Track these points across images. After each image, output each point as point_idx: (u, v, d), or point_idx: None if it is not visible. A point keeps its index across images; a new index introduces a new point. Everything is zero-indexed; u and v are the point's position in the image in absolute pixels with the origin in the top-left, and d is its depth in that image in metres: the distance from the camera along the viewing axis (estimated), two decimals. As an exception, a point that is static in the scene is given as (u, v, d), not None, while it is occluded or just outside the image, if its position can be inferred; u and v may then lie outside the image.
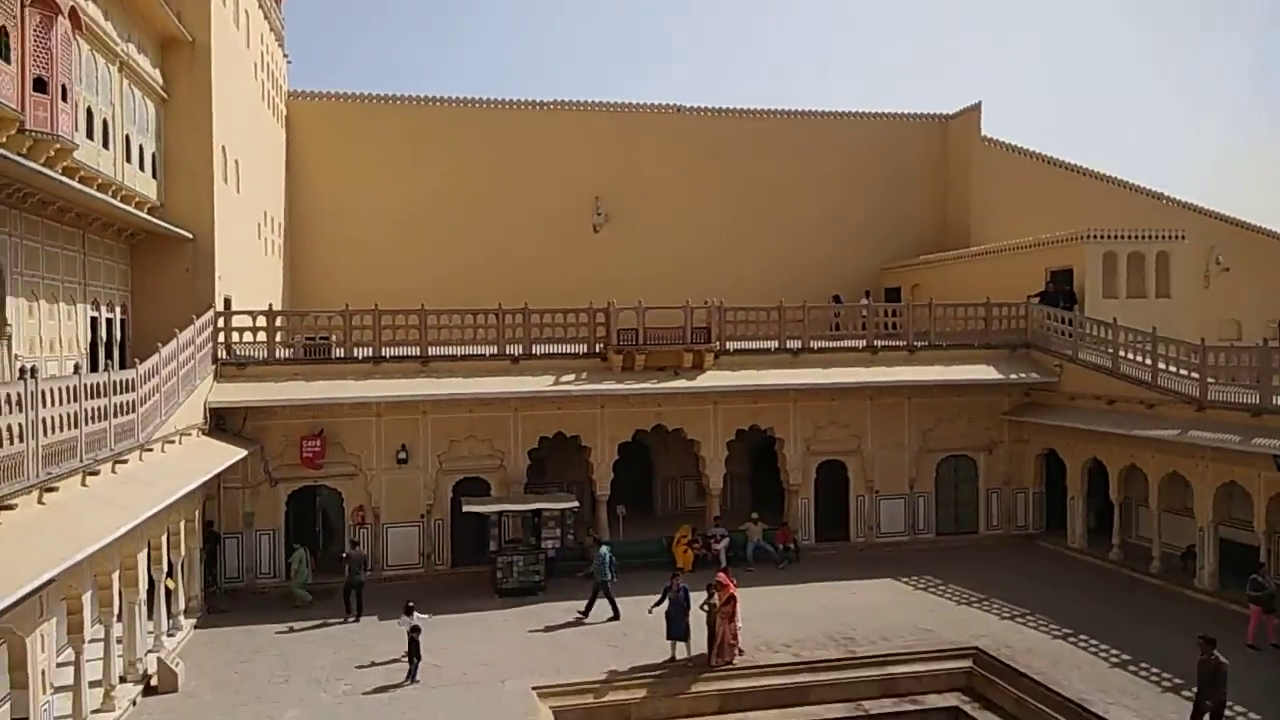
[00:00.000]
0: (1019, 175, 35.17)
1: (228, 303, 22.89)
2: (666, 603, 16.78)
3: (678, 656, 16.59)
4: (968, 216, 35.31)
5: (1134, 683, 15.35)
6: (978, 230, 34.60)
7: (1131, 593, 20.43)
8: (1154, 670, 15.65)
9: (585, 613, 19.10)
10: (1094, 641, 17.27)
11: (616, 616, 18.85)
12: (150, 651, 16.06)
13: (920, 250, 35.15)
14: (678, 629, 16.62)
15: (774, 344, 24.34)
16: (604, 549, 19.59)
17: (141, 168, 20.52)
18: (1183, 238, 27.73)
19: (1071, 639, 17.49)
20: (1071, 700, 14.72)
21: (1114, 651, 16.73)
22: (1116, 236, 27.01)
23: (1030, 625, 18.34)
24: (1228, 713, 13.76)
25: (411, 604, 17.08)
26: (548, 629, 18.59)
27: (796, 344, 24.39)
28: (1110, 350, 23.14)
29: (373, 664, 16.61)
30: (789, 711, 15.67)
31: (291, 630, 18.66)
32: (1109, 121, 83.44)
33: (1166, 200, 35.39)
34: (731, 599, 16.56)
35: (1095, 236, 26.85)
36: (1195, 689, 13.48)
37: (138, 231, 21.14)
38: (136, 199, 20.10)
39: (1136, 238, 27.13)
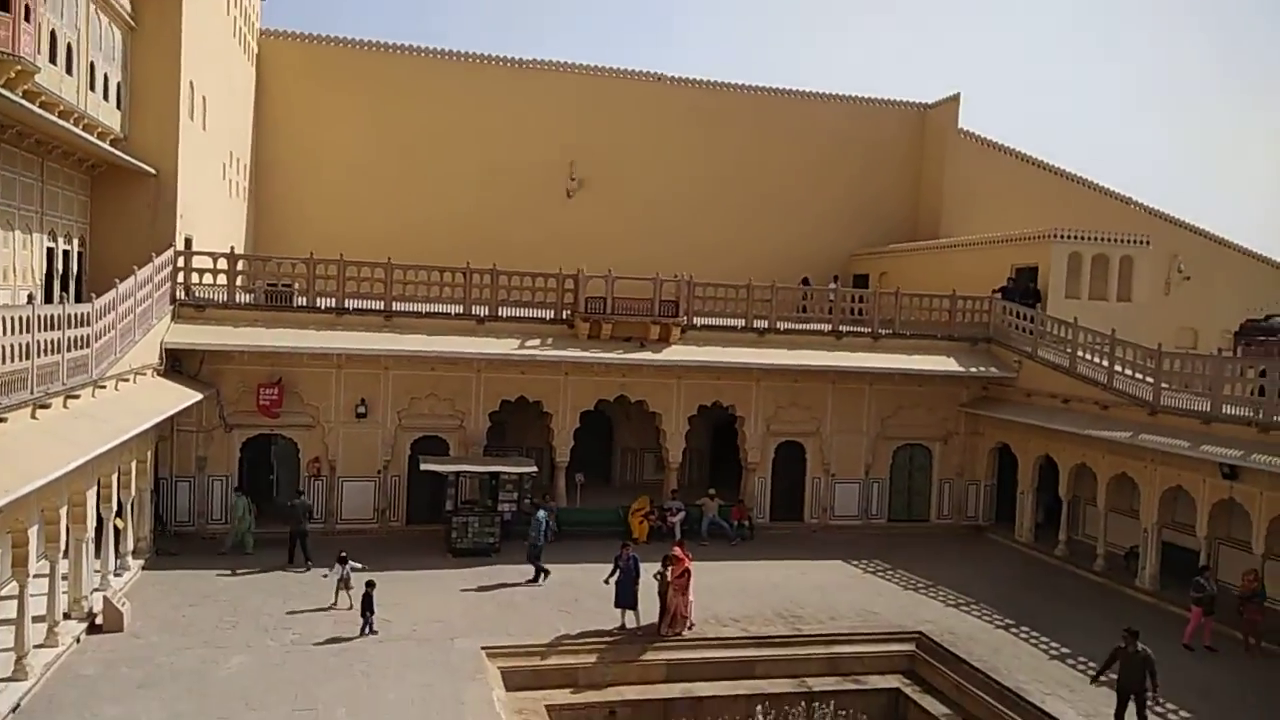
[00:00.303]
0: (993, 170, 35.46)
1: (189, 243, 22.38)
2: (619, 571, 16.89)
3: (627, 625, 16.70)
4: (940, 207, 35.55)
5: (1071, 675, 15.73)
6: (949, 222, 34.87)
7: (1074, 588, 20.89)
8: (1091, 664, 15.96)
9: (535, 579, 19.19)
10: (1035, 633, 17.67)
11: (543, 577, 19.12)
12: (96, 590, 15.81)
13: (891, 238, 35.36)
14: (626, 597, 16.75)
15: (741, 322, 24.40)
16: (541, 513, 19.70)
17: (105, 97, 19.87)
18: (1147, 243, 28.18)
19: (1013, 630, 17.88)
20: (1010, 689, 15.06)
21: (1054, 644, 17.14)
22: (1082, 238, 27.37)
23: (974, 614, 18.71)
24: (1159, 709, 14.23)
25: (344, 554, 17.38)
26: (500, 590, 18.59)
27: (763, 324, 24.47)
28: (1069, 350, 23.51)
29: (317, 610, 16.64)
30: (735, 684, 15.83)
31: (235, 574, 18.58)
32: (1085, 120, 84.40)
33: (1135, 205, 35.94)
34: (685, 572, 16.68)
35: (1062, 236, 27.18)
36: (1116, 678, 13.73)
37: (99, 163, 20.54)
38: (99, 129, 19.48)
39: (1102, 240, 27.51)
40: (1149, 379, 21.00)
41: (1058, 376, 23.49)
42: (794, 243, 34.59)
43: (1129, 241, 27.79)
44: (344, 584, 16.94)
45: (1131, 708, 13.54)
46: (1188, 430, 19.36)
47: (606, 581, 17.08)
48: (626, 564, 16.80)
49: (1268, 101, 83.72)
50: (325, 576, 17.88)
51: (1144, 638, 13.78)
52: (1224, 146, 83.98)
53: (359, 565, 17.16)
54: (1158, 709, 14.24)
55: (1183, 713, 14.35)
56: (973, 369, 25.16)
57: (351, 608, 16.48)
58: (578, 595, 18.23)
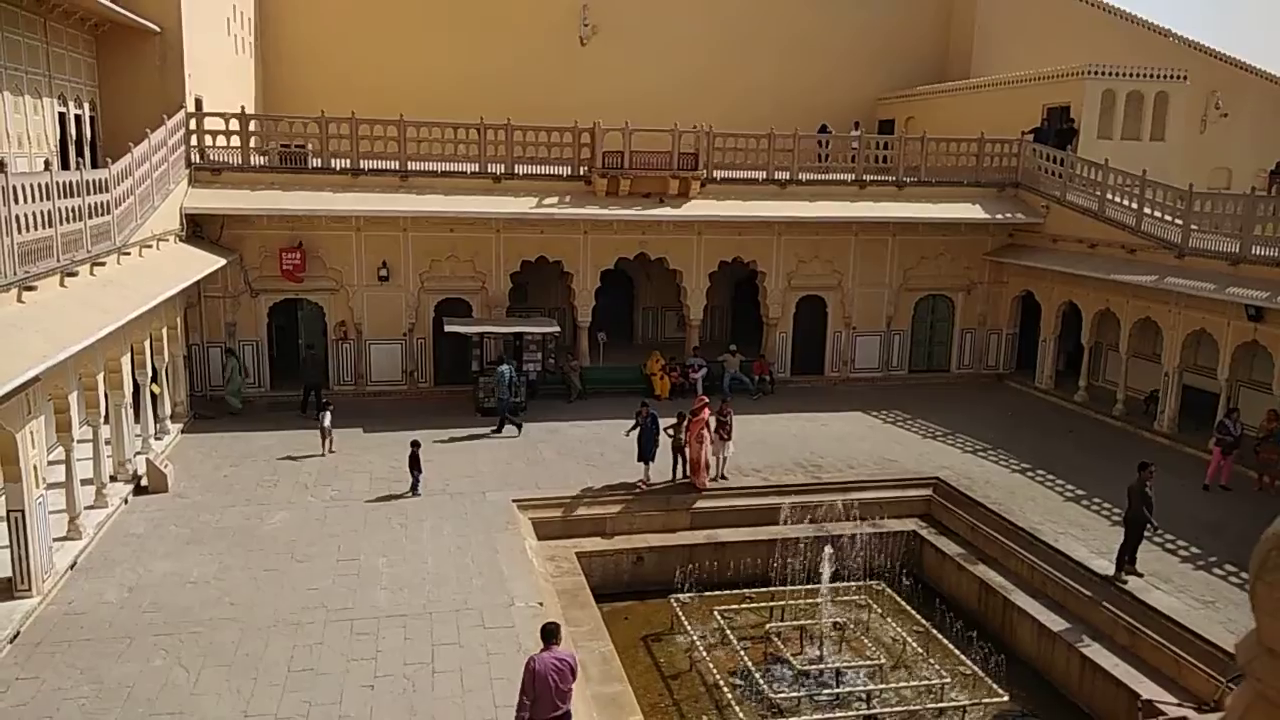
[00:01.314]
0: (1028, 3, 33.64)
1: (199, 103, 22.01)
2: (639, 428, 17.19)
3: (651, 478, 17.12)
4: (971, 46, 33.96)
5: (1085, 515, 16.16)
6: (980, 61, 33.37)
7: (1093, 433, 21.16)
8: (1105, 505, 16.41)
9: (500, 429, 19.82)
10: (1051, 476, 18.04)
11: (516, 430, 19.76)
12: (139, 453, 16.41)
13: (920, 80, 33.97)
14: (647, 452, 17.07)
15: (762, 174, 23.91)
16: (503, 368, 20.03)
17: (102, -49, 19.15)
18: (1184, 79, 27.00)
19: (1029, 473, 18.26)
20: (1024, 529, 15.51)
21: (1069, 486, 17.52)
22: (1117, 74, 26.25)
23: (991, 459, 19.07)
24: (1170, 543, 14.70)
25: (328, 402, 18.79)
26: (527, 447, 19.08)
27: (785, 175, 23.98)
28: (1098, 193, 22.99)
29: (310, 456, 17.30)
30: (756, 530, 16.41)
31: (273, 432, 19.24)
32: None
33: (1173, 38, 34.13)
34: (712, 423, 16.92)
35: (1095, 73, 26.07)
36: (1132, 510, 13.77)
37: (102, 22, 20.00)
38: (97, -15, 18.87)
39: (1137, 76, 26.38)
40: (1178, 221, 20.60)
41: (1086, 221, 23.05)
42: (817, 88, 33.29)
43: (1165, 76, 26.64)
44: (325, 432, 18.00)
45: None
46: (1215, 272, 19.12)
47: (627, 434, 17.46)
48: (645, 421, 17.09)
49: (1326, -81, 78.06)
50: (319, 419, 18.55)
51: (1162, 478, 14.04)
52: (1275, -29, 78.96)
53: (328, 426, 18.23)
54: (1169, 544, 14.72)
55: (1193, 548, 14.77)
56: (999, 215, 24.72)
57: (334, 451, 17.93)
58: (602, 450, 18.70)
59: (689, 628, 13.74)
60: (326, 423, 18.00)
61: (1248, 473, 17.71)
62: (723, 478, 17.39)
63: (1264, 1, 76.93)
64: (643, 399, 18.80)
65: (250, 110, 23.62)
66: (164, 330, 17.60)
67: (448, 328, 21.41)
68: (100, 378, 14.15)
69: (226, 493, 15.91)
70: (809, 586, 14.72)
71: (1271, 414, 17.70)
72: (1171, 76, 26.73)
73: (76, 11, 18.72)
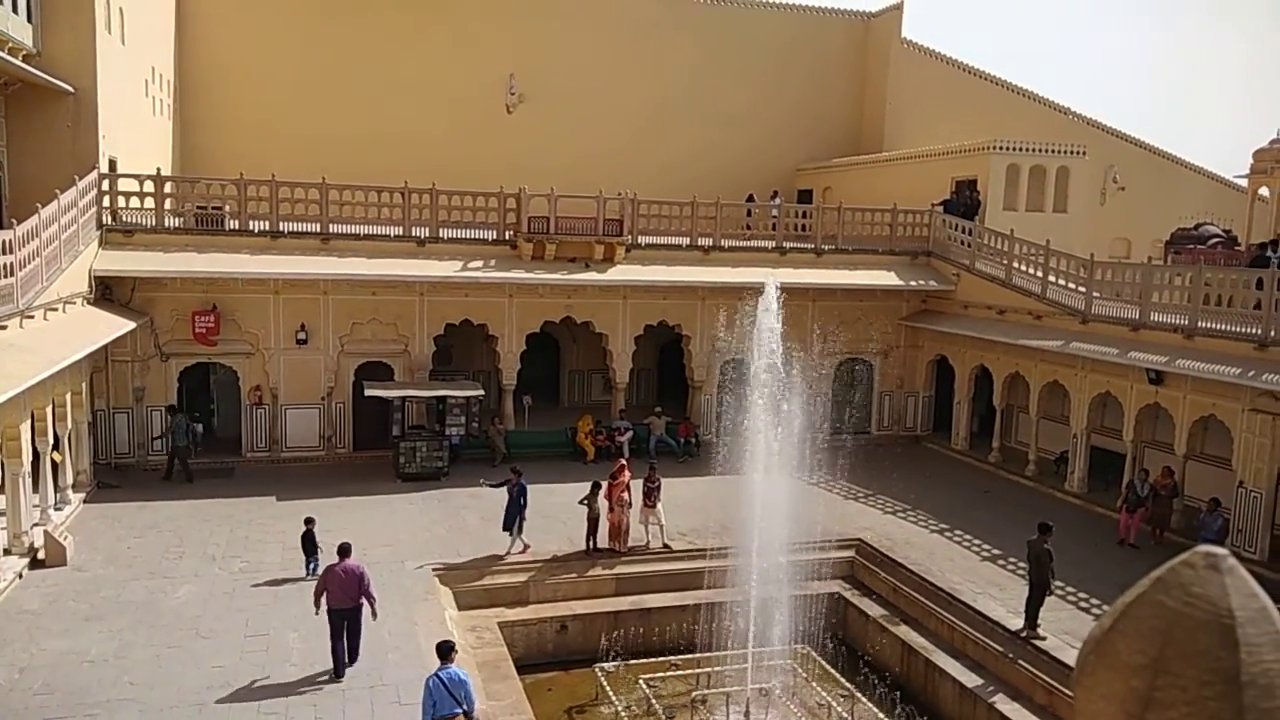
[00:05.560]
0: (935, 81, 35.32)
1: (113, 164, 21.53)
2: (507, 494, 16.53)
3: (513, 549, 16.41)
4: (883, 120, 35.45)
5: (1002, 575, 16.48)
6: (892, 135, 34.83)
7: (1006, 493, 21.71)
8: (1020, 564, 16.63)
9: (167, 476, 19.96)
10: (968, 536, 18.39)
11: (189, 480, 19.86)
12: (36, 525, 15.59)
13: (836, 152, 35.23)
14: (509, 521, 16.41)
15: (685, 240, 24.34)
16: (180, 417, 20.14)
17: (15, 10, 18.76)
18: (1084, 154, 28.55)
19: (947, 534, 18.59)
20: (944, 589, 15.74)
21: (985, 546, 17.88)
22: (1020, 149, 27.64)
23: (910, 520, 19.39)
24: (1084, 601, 15.05)
25: (181, 413, 19.54)
26: (449, 514, 18.73)
27: (708, 241, 24.44)
28: (1005, 262, 23.95)
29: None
30: (682, 595, 16.30)
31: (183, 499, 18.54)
32: (1024, 27, 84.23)
33: (1072, 115, 36.18)
34: (625, 486, 16.81)
35: (1000, 148, 27.41)
36: (1033, 570, 14.05)
37: (12, 81, 19.52)
38: (9, 44, 18.44)
39: (1039, 151, 27.80)
40: (1081, 289, 21.53)
41: (994, 288, 23.95)
42: (739, 159, 34.23)
43: (1065, 152, 28.12)
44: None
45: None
46: (1117, 338, 19.97)
47: (481, 482, 17.68)
48: (512, 489, 16.39)
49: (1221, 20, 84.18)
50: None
51: (1073, 537, 14.46)
52: (1180, 59, 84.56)
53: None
54: (1082, 602, 15.08)
55: (1105, 606, 15.09)
56: (913, 282, 25.53)
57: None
58: (527, 516, 18.36)
59: (614, 698, 13.49)
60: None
61: (1150, 529, 18.35)
62: (666, 547, 17.21)
63: (1154, 81, 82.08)
64: (513, 466, 17.66)
65: (166, 170, 23.22)
66: (68, 395, 16.90)
67: (368, 391, 21.02)
68: (-4, 446, 13.50)
69: (129, 565, 15.18)
70: (735, 652, 14.60)
71: (1167, 470, 18.46)
72: (1072, 151, 28.22)
73: (-15, 70, 18.28)
